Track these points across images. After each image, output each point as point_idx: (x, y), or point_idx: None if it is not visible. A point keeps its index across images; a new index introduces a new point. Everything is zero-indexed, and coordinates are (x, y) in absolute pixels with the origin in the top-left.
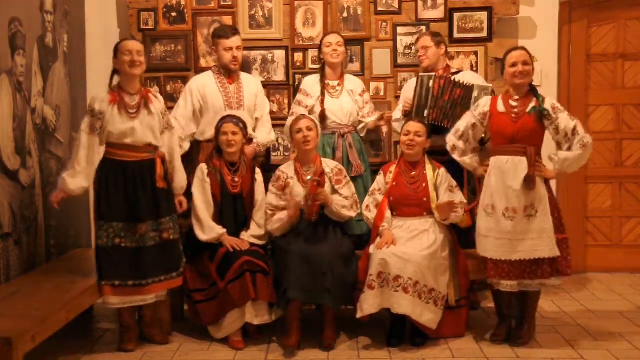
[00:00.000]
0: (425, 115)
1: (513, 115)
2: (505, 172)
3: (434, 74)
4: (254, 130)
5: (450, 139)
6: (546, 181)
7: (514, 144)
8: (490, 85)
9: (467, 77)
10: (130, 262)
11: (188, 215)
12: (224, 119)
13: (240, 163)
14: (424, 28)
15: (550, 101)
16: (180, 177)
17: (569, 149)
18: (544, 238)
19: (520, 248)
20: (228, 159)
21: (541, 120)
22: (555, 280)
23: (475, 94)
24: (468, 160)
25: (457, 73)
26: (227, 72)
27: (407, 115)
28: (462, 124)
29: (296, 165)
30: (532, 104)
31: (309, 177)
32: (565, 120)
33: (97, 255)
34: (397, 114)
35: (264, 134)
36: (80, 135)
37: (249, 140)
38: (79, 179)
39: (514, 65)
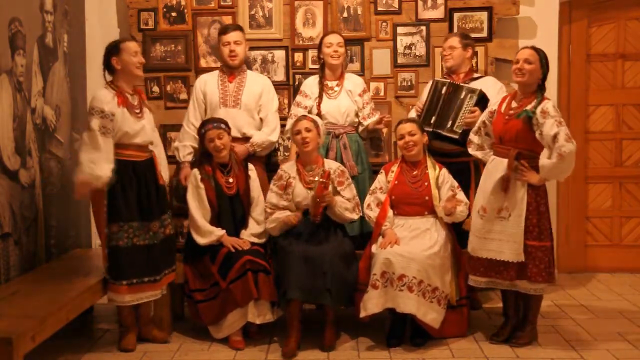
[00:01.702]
0: (432, 122)
1: (506, 117)
2: (488, 170)
3: (448, 80)
4: (259, 130)
5: (470, 135)
6: (532, 187)
7: (502, 144)
8: (479, 89)
9: (487, 82)
10: (146, 259)
11: (188, 216)
12: (205, 126)
13: (232, 163)
14: (424, 28)
15: (545, 105)
16: (166, 173)
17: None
18: (510, 242)
19: (489, 247)
20: (219, 161)
21: (530, 124)
22: (528, 284)
23: (461, 95)
24: (480, 155)
25: (478, 78)
26: (229, 70)
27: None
28: (479, 121)
29: (298, 165)
30: (529, 107)
31: (316, 178)
32: (548, 127)
33: (114, 256)
34: (412, 113)
35: (262, 134)
36: (97, 137)
37: (246, 139)
38: (105, 167)
39: (517, 62)
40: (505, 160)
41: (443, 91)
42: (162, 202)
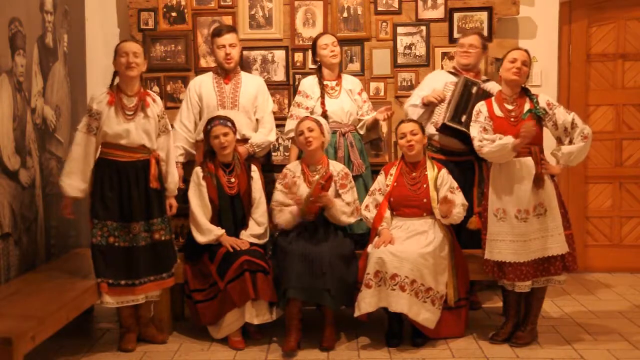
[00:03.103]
0: (462, 121)
1: (512, 119)
2: (512, 173)
3: (478, 82)
4: (255, 131)
5: (476, 143)
6: (552, 178)
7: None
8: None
9: (494, 88)
10: (124, 261)
11: (187, 216)
12: (211, 122)
13: (235, 163)
14: (424, 28)
15: (544, 98)
16: (171, 179)
17: (570, 142)
18: (555, 235)
19: (533, 248)
20: (222, 160)
21: (539, 120)
22: (562, 277)
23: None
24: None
25: (486, 81)
26: (224, 72)
27: (427, 106)
28: (478, 127)
29: (302, 165)
30: (527, 106)
31: (316, 177)
32: (562, 115)
33: (93, 253)
34: (416, 100)
35: (261, 135)
36: (76, 134)
37: (245, 140)
38: (73, 180)
39: (513, 61)
40: (528, 159)
41: (473, 91)
42: (151, 205)
